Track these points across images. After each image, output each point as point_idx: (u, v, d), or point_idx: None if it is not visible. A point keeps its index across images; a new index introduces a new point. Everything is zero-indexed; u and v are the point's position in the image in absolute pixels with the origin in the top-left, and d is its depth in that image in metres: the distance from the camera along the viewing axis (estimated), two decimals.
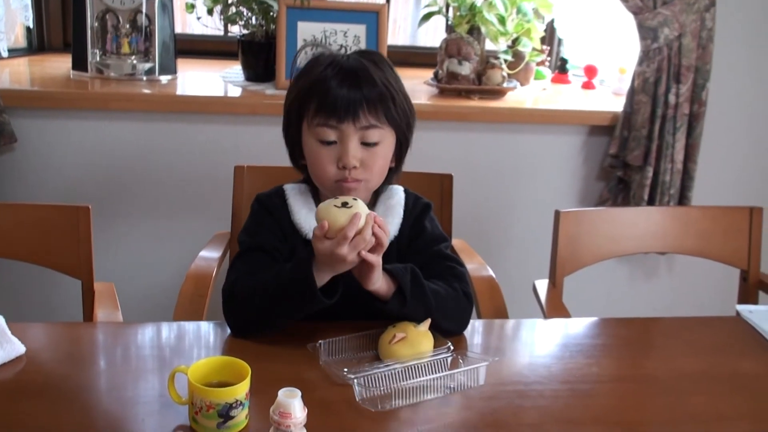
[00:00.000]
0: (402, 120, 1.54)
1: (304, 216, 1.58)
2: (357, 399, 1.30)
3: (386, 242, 1.39)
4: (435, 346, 1.43)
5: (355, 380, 1.30)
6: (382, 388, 1.30)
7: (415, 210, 1.64)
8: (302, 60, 1.60)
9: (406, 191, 1.67)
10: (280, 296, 1.43)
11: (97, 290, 1.83)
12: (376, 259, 1.38)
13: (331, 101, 1.47)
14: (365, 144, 1.50)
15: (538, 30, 2.80)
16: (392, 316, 1.46)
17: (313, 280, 1.39)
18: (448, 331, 1.53)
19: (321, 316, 1.48)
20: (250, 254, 1.56)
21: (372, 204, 1.62)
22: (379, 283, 1.43)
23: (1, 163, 2.50)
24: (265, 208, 1.61)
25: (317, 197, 1.61)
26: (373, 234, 1.36)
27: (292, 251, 1.57)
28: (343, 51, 1.58)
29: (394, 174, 1.62)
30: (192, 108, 2.55)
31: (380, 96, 1.49)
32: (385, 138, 1.52)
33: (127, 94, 2.50)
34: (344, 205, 1.37)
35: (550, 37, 3.07)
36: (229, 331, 1.54)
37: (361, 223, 1.35)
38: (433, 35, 3.18)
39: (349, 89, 1.48)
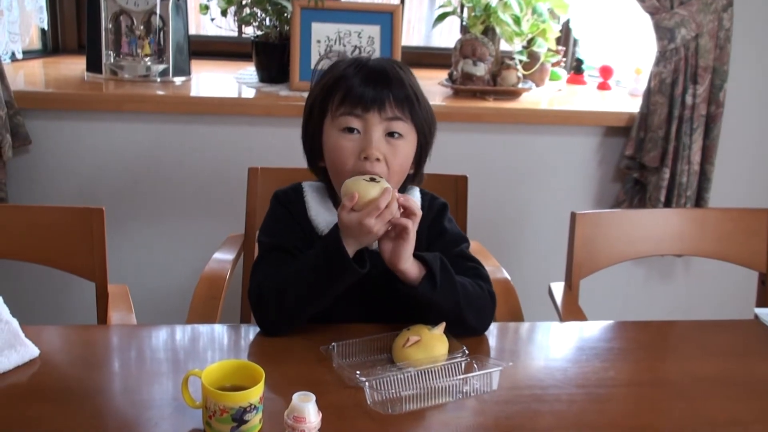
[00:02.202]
0: (425, 123, 1.53)
1: (321, 213, 1.57)
2: (368, 402, 1.29)
3: (419, 211, 1.41)
4: (450, 350, 1.42)
5: (367, 383, 1.29)
6: (393, 392, 1.29)
7: (432, 210, 1.63)
8: (323, 66, 1.59)
9: (421, 191, 1.66)
10: (313, 276, 1.44)
11: (110, 292, 1.83)
12: (412, 225, 1.40)
13: (359, 92, 1.47)
14: (389, 135, 1.49)
15: (554, 30, 2.79)
16: (421, 303, 1.45)
17: (344, 250, 1.39)
18: (472, 328, 1.54)
19: (340, 319, 1.49)
20: (272, 255, 1.55)
21: None
22: (410, 262, 1.43)
23: (15, 165, 2.51)
24: (282, 205, 1.61)
25: (335, 198, 1.60)
26: (401, 205, 1.39)
27: (309, 248, 1.56)
28: (365, 56, 1.58)
29: (412, 180, 1.61)
30: (206, 109, 2.55)
31: (406, 96, 1.49)
32: (408, 134, 1.51)
33: (141, 96, 2.51)
34: (372, 180, 1.39)
35: (565, 37, 3.06)
36: (242, 333, 1.54)
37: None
38: (447, 36, 3.17)
39: (375, 86, 1.47)
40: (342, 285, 1.44)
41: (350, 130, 1.48)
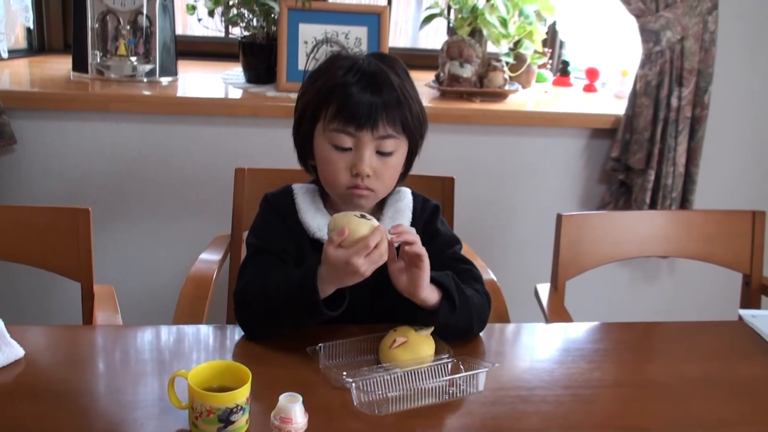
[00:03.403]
0: (416, 129, 1.52)
1: (312, 215, 1.56)
2: (355, 403, 1.29)
3: (415, 236, 1.39)
4: (436, 351, 1.42)
5: (354, 384, 1.29)
6: (380, 393, 1.29)
7: (424, 213, 1.63)
8: (320, 56, 1.57)
9: (413, 193, 1.65)
10: (285, 304, 1.43)
11: (96, 293, 1.82)
12: (423, 250, 1.38)
13: (352, 107, 1.44)
14: (380, 153, 1.48)
15: (540, 32, 2.80)
16: (438, 325, 1.44)
17: (317, 293, 1.38)
18: (475, 334, 1.56)
19: (332, 320, 1.49)
20: (259, 257, 1.55)
21: (380, 207, 1.60)
22: (429, 289, 1.42)
23: (0, 165, 2.49)
24: (272, 207, 1.60)
25: (325, 198, 1.60)
26: (398, 238, 1.37)
27: (300, 251, 1.56)
28: (358, 51, 1.55)
29: (401, 180, 1.60)
30: (192, 110, 2.54)
31: (398, 104, 1.47)
32: (399, 148, 1.50)
33: (127, 96, 2.50)
34: (362, 216, 1.36)
35: (551, 39, 3.07)
36: (229, 334, 1.54)
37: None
38: (434, 37, 3.17)
39: (371, 95, 1.45)
40: (313, 322, 1.43)
41: (343, 149, 1.47)
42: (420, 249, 1.38)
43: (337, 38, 1.58)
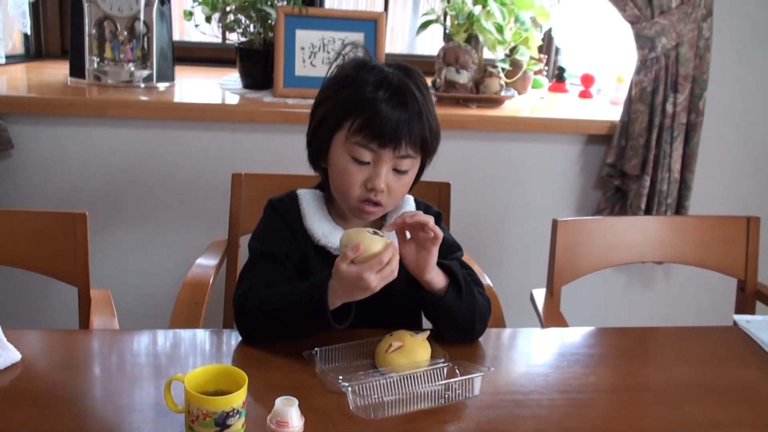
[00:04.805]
0: (432, 147, 1.53)
1: (317, 222, 1.56)
2: (351, 407, 1.29)
3: (430, 218, 1.42)
4: (432, 356, 1.43)
5: (350, 388, 1.29)
6: (376, 397, 1.30)
7: None
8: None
9: (416, 200, 1.67)
10: (291, 316, 1.44)
11: (93, 297, 1.82)
12: (438, 230, 1.41)
13: (380, 124, 1.44)
14: (395, 170, 1.49)
15: (536, 39, 2.81)
16: (443, 312, 1.48)
17: (326, 306, 1.38)
18: (476, 334, 1.57)
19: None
20: (261, 263, 1.55)
21: (383, 215, 1.61)
22: (435, 272, 1.45)
23: None
24: (277, 212, 1.60)
25: (331, 204, 1.60)
26: (416, 223, 1.40)
27: (304, 257, 1.56)
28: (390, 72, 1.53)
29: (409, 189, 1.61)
30: (190, 115, 2.55)
31: (420, 123, 1.47)
32: (413, 166, 1.52)
33: (124, 101, 2.50)
34: (375, 233, 1.38)
35: (547, 46, 3.08)
36: (225, 338, 1.54)
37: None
38: (430, 43, 3.19)
39: (399, 113, 1.45)
40: (318, 333, 1.45)
41: (362, 162, 1.48)
42: (436, 228, 1.41)
43: (363, 44, 1.56)
